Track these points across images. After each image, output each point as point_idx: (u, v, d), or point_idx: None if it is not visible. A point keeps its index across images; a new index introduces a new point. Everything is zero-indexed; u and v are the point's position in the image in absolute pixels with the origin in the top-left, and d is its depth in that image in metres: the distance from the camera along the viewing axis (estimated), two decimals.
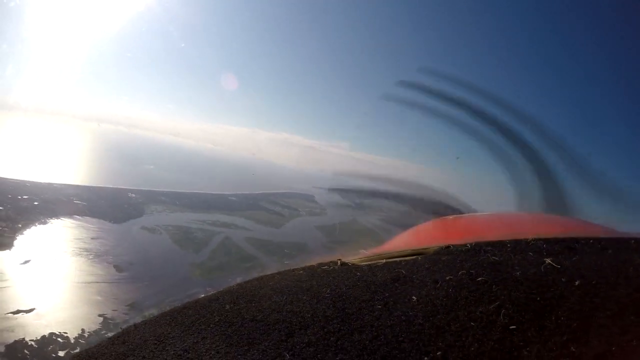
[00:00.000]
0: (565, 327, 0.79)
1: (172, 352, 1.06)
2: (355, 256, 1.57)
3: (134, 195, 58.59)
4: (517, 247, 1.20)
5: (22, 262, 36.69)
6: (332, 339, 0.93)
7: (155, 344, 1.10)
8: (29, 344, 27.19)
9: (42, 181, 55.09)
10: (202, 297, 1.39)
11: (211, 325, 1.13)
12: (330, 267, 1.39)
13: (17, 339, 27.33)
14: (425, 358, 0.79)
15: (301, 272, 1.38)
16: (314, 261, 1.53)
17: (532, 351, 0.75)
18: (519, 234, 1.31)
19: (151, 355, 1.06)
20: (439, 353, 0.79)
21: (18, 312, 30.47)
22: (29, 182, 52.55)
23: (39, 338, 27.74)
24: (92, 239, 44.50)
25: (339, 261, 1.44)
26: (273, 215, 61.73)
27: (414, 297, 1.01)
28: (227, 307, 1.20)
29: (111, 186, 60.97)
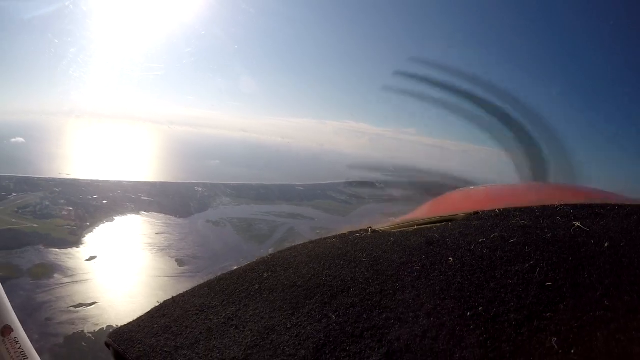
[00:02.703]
0: (597, 284, 0.86)
1: (216, 321, 1.09)
2: (385, 224, 1.48)
3: (200, 189, 61.64)
4: (545, 213, 1.24)
5: (87, 258, 40.31)
6: (375, 299, 0.98)
7: (197, 314, 1.13)
8: (87, 335, 29.77)
9: (113, 179, 60.47)
10: (237, 269, 1.34)
11: (252, 293, 1.15)
12: (362, 234, 1.36)
13: (76, 331, 30.03)
14: (468, 313, 0.86)
15: (334, 240, 1.35)
16: (344, 230, 1.44)
17: (568, 305, 0.81)
18: (545, 201, 1.33)
19: (194, 325, 1.09)
20: (480, 308, 0.86)
21: (80, 305, 33.38)
22: (100, 181, 57.81)
23: (97, 330, 30.25)
24: (156, 234, 47.60)
25: (369, 229, 1.38)
26: (340, 204, 61.29)
27: (450, 259, 1.05)
28: (265, 275, 1.21)
29: (179, 181, 64.99)
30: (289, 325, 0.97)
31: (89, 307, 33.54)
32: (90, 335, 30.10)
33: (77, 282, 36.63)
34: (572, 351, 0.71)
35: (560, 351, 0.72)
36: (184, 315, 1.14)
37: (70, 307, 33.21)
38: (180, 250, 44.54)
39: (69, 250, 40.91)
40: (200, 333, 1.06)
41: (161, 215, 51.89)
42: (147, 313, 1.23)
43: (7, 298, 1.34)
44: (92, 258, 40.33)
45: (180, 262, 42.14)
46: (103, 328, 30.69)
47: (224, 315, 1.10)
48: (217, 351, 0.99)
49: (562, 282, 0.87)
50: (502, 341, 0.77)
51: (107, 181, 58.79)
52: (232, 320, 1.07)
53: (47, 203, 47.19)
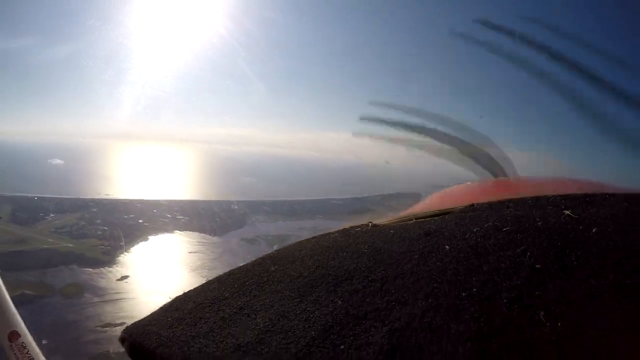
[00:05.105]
0: (584, 265, 0.93)
1: (228, 311, 1.17)
2: (385, 219, 1.58)
3: (236, 207, 62.96)
4: (538, 203, 1.33)
5: (119, 278, 41.98)
6: (377, 285, 1.06)
7: (210, 306, 1.20)
8: (112, 356, 30.60)
9: (150, 199, 63.07)
10: (245, 264, 1.44)
11: (261, 284, 1.23)
12: (362, 228, 1.45)
13: (101, 351, 30.99)
14: (463, 294, 0.94)
15: (336, 234, 1.45)
16: (345, 225, 1.55)
17: (556, 285, 0.89)
18: (540, 193, 1.40)
19: (208, 316, 1.17)
20: (474, 289, 0.94)
21: (107, 325, 34.61)
22: (138, 201, 60.36)
23: (122, 350, 30.91)
24: (189, 253, 48.99)
25: (370, 223, 1.49)
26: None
27: (446, 247, 1.13)
28: (273, 268, 1.28)
29: (215, 199, 66.73)
30: (298, 311, 1.04)
31: (115, 327, 34.60)
32: (115, 355, 31.06)
33: (106, 301, 38.18)
34: (559, 324, 0.78)
35: (548, 324, 0.79)
36: (197, 308, 1.21)
37: (98, 326, 34.55)
38: (212, 269, 45.29)
39: (102, 269, 42.82)
40: (214, 323, 1.12)
41: (196, 234, 53.34)
42: (161, 308, 1.30)
43: (12, 304, 1.42)
44: (123, 278, 41.98)
45: None
46: None
47: (235, 305, 1.16)
48: (232, 337, 1.05)
49: (551, 264, 0.94)
50: (495, 316, 0.84)
51: (144, 200, 61.45)
52: (244, 309, 1.13)
53: (84, 223, 49.96)
